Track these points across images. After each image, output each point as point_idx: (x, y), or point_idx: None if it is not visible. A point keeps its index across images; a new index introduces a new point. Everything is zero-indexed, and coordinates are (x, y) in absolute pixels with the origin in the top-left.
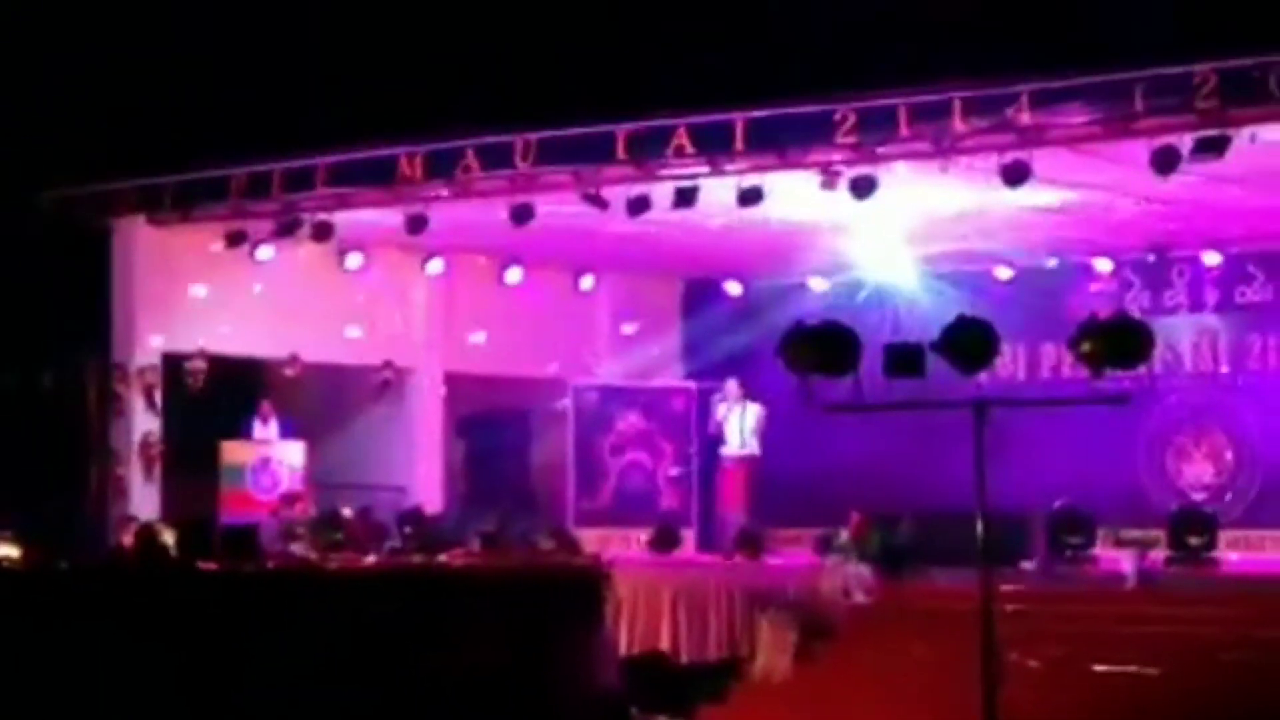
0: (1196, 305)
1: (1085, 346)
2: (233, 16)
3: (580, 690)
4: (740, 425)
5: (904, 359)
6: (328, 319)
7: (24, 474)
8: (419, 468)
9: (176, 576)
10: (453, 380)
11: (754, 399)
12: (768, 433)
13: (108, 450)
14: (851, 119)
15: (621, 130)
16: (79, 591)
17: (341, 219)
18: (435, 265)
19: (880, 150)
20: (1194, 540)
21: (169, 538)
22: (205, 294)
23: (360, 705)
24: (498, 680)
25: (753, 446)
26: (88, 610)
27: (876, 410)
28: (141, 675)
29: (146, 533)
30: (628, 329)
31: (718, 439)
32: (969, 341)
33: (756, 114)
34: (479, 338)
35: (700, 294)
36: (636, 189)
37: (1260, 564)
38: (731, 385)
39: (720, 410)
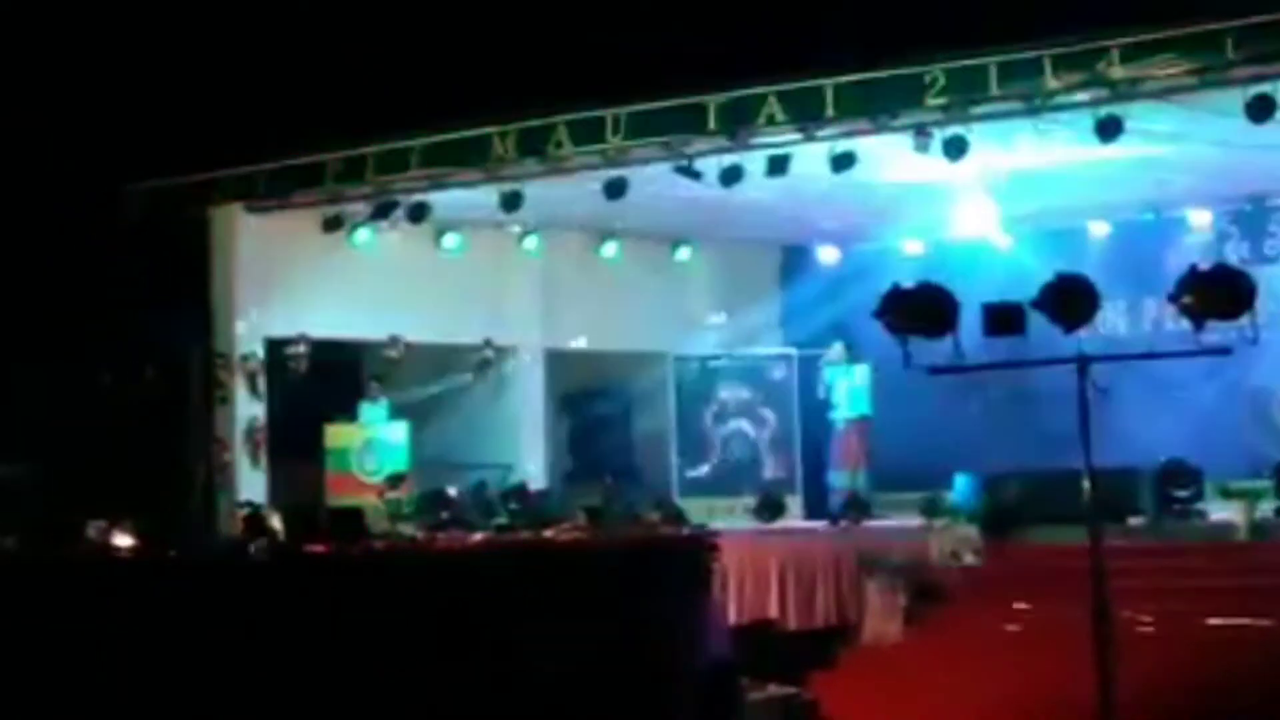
0: None
1: (1186, 299)
2: (323, 2)
3: (690, 661)
4: (849, 388)
5: (1004, 318)
6: (427, 299)
7: (134, 466)
8: (522, 445)
9: (284, 561)
10: (553, 356)
11: (859, 360)
12: (875, 390)
13: (214, 438)
14: (942, 80)
15: (712, 101)
16: (191, 578)
17: (437, 199)
18: (531, 242)
19: (972, 110)
20: None
21: (276, 522)
22: (305, 279)
23: (470, 682)
24: (607, 654)
25: (864, 407)
26: (201, 598)
27: (978, 370)
28: (257, 659)
29: (254, 518)
30: (726, 298)
31: (826, 404)
32: (1069, 298)
33: (846, 79)
34: (578, 313)
35: (798, 261)
36: (729, 159)
37: None
38: (836, 349)
39: (827, 374)
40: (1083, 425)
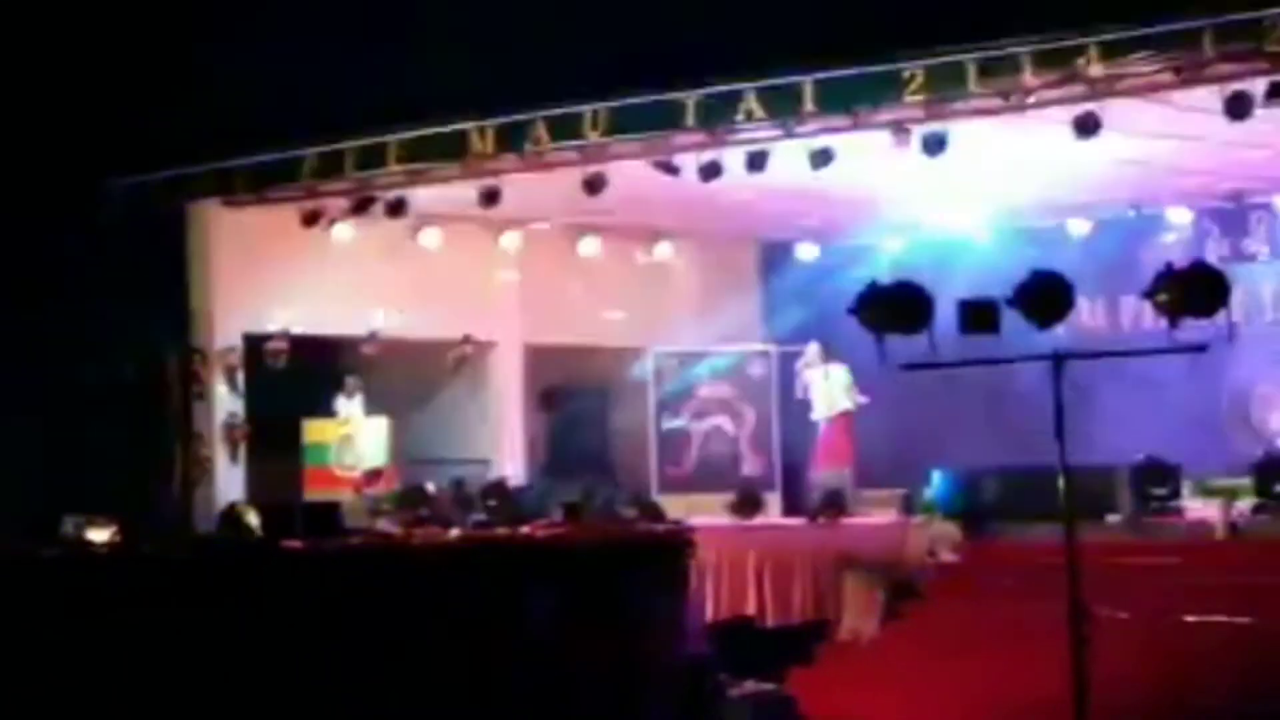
0: (1276, 251)
1: (1162, 296)
2: None
3: (669, 657)
4: (826, 388)
5: (979, 315)
6: (405, 295)
7: (113, 461)
8: (501, 441)
9: (260, 556)
10: (532, 352)
11: (837, 359)
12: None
13: (192, 433)
14: (920, 76)
15: (690, 97)
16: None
17: (415, 195)
18: (510, 238)
19: (950, 107)
20: None
21: (253, 519)
22: (283, 274)
23: (448, 677)
24: (585, 650)
25: (844, 404)
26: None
27: (952, 367)
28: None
29: (231, 514)
30: (705, 294)
31: (805, 405)
32: (1043, 295)
33: (824, 75)
34: (557, 309)
35: (777, 257)
36: (708, 155)
37: None
38: (813, 349)
39: (805, 376)
40: (1058, 423)
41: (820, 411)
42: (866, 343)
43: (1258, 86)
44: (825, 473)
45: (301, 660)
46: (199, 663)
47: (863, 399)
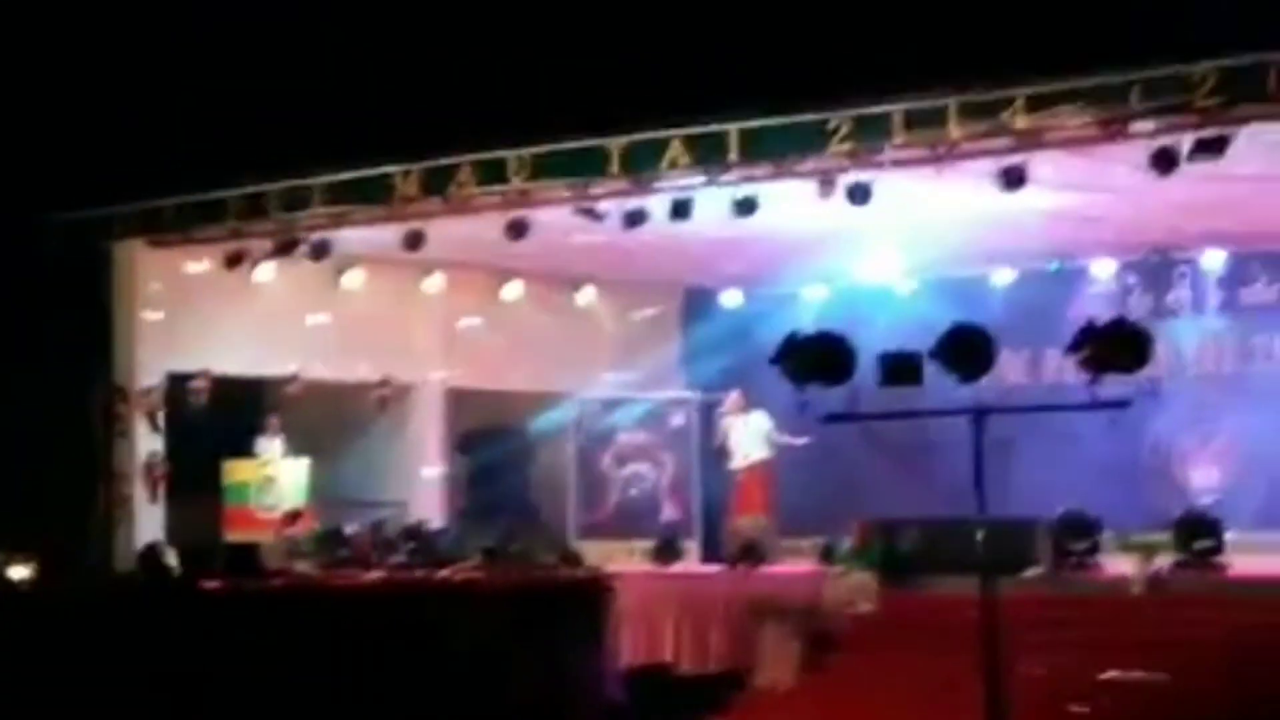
0: (1199, 307)
1: (1084, 353)
2: (228, 40)
3: (585, 702)
4: (745, 436)
5: (901, 368)
6: (328, 337)
7: (34, 498)
8: (421, 483)
9: (179, 596)
10: (453, 395)
11: (758, 407)
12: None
13: (113, 472)
14: (846, 126)
15: (615, 143)
16: (84, 612)
17: (339, 237)
18: (433, 281)
19: (876, 157)
20: (1200, 544)
21: (172, 558)
22: (206, 314)
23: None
24: (501, 695)
25: (762, 453)
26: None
27: (873, 419)
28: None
29: (151, 554)
30: (627, 341)
31: (723, 454)
32: (965, 349)
33: (750, 124)
34: (479, 352)
35: (700, 304)
36: (632, 202)
37: (1268, 567)
38: (733, 397)
39: (724, 424)
40: (978, 476)
41: (738, 460)
42: (788, 392)
43: (1184, 142)
44: (743, 520)
45: (219, 700)
46: (116, 700)
47: (797, 441)
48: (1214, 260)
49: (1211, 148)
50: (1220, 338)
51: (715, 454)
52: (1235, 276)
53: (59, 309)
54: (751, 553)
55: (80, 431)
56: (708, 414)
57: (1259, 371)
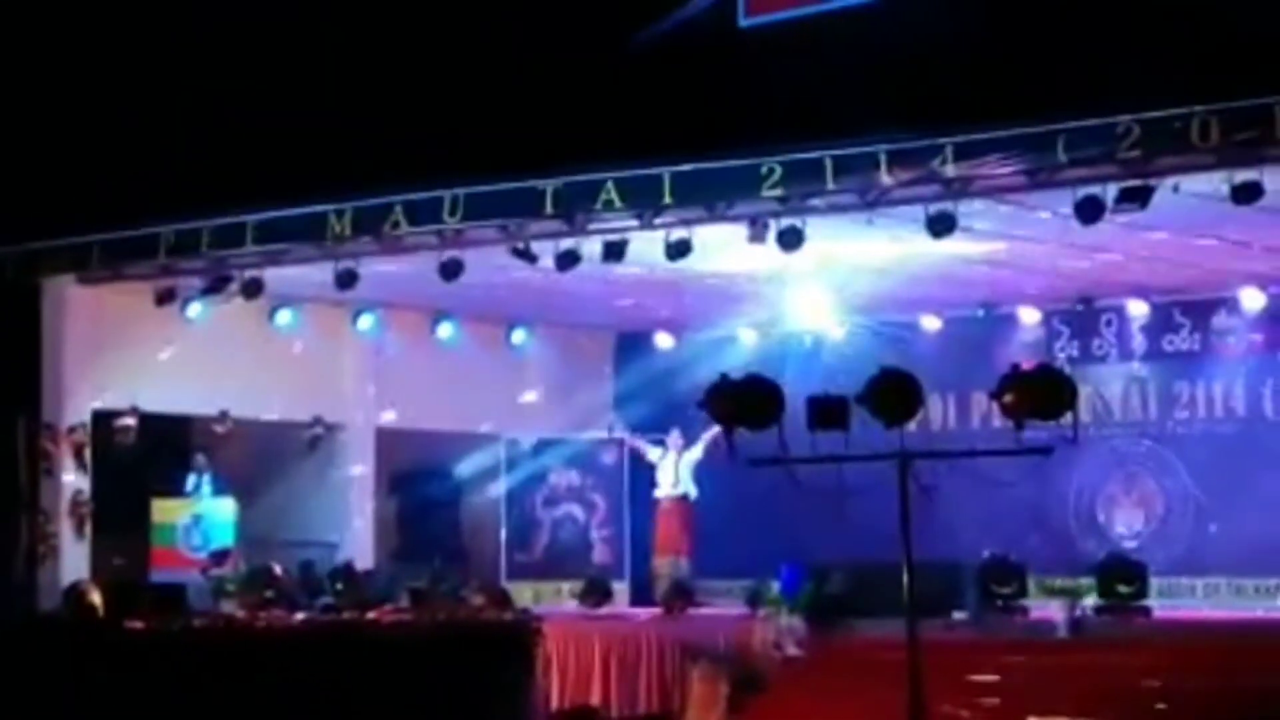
0: (1125, 354)
1: (1008, 398)
2: (160, 75)
3: None
4: (675, 467)
5: (828, 412)
6: (258, 375)
7: None
8: (350, 523)
9: (102, 636)
10: (384, 435)
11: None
12: (700, 480)
13: (38, 509)
14: (778, 171)
15: (550, 184)
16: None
17: (271, 275)
18: (366, 321)
19: (807, 203)
20: (1124, 589)
21: (96, 597)
22: (135, 352)
23: None
24: None
25: (687, 488)
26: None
27: (799, 462)
28: None
29: (74, 592)
30: (560, 381)
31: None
32: (892, 394)
33: (683, 167)
34: (410, 393)
35: (632, 346)
36: (565, 243)
37: (1190, 612)
38: (674, 436)
39: (654, 454)
40: (903, 520)
41: (664, 489)
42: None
43: (1109, 191)
44: (661, 561)
45: None
46: None
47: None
48: (1138, 309)
49: (1136, 196)
50: (1144, 384)
51: (646, 494)
52: (1159, 324)
53: None
54: (681, 594)
55: (5, 468)
56: (637, 456)
57: (1181, 418)
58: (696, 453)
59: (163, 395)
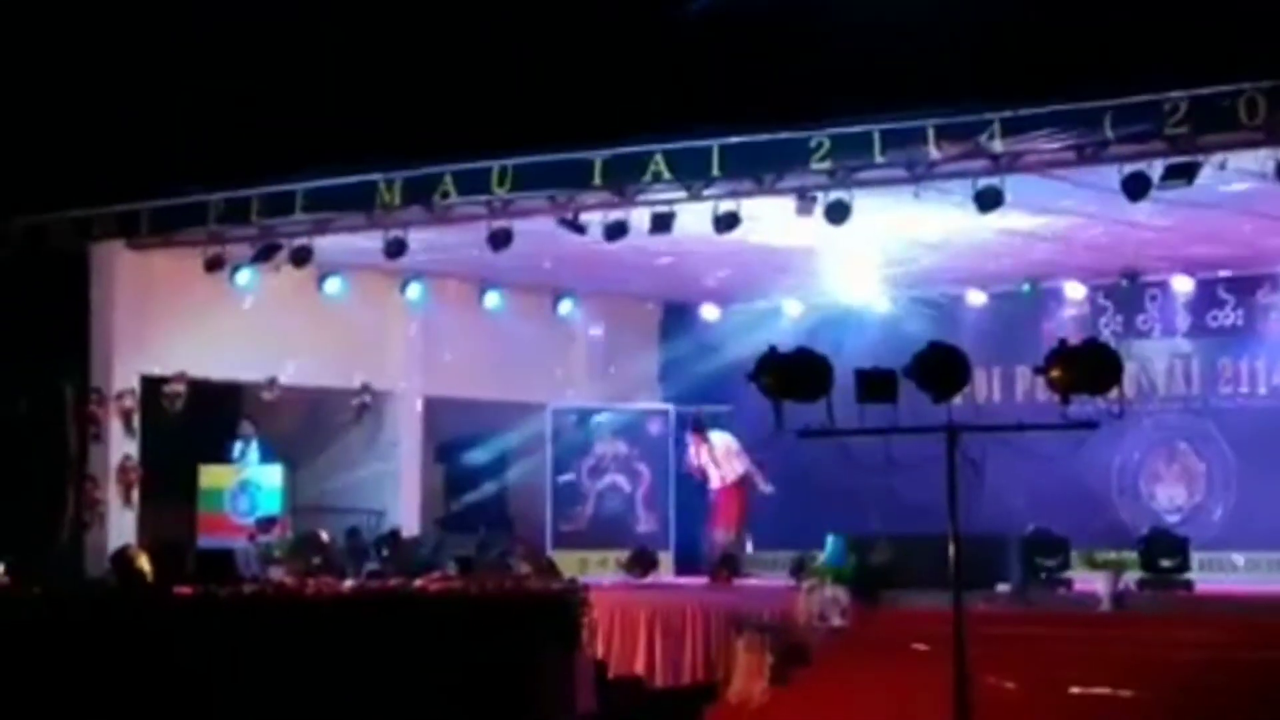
0: (1168, 329)
1: (1054, 373)
2: (212, 43)
3: (557, 714)
4: (714, 459)
5: (876, 385)
6: (306, 343)
7: (2, 499)
8: (397, 491)
9: (151, 601)
10: (431, 404)
11: (719, 427)
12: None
13: (85, 474)
14: (827, 145)
15: (598, 156)
16: (55, 616)
17: (320, 243)
18: (414, 289)
19: (855, 176)
20: (1166, 563)
21: (145, 563)
22: (184, 318)
23: None
24: (475, 706)
25: (737, 469)
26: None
27: (848, 435)
28: (117, 699)
29: (122, 557)
30: (606, 352)
31: (700, 476)
32: (940, 368)
33: (732, 140)
34: (457, 361)
35: (678, 317)
36: (614, 214)
37: (1231, 586)
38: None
39: (692, 448)
40: (951, 493)
41: (715, 481)
42: (764, 405)
43: (1155, 168)
44: (719, 532)
45: (190, 706)
46: (86, 705)
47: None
48: (1183, 284)
49: (1182, 174)
50: (1188, 359)
51: (694, 478)
52: (1204, 300)
53: (36, 310)
54: (727, 566)
55: (54, 433)
56: (684, 426)
57: (1224, 393)
58: (724, 441)
59: (211, 361)
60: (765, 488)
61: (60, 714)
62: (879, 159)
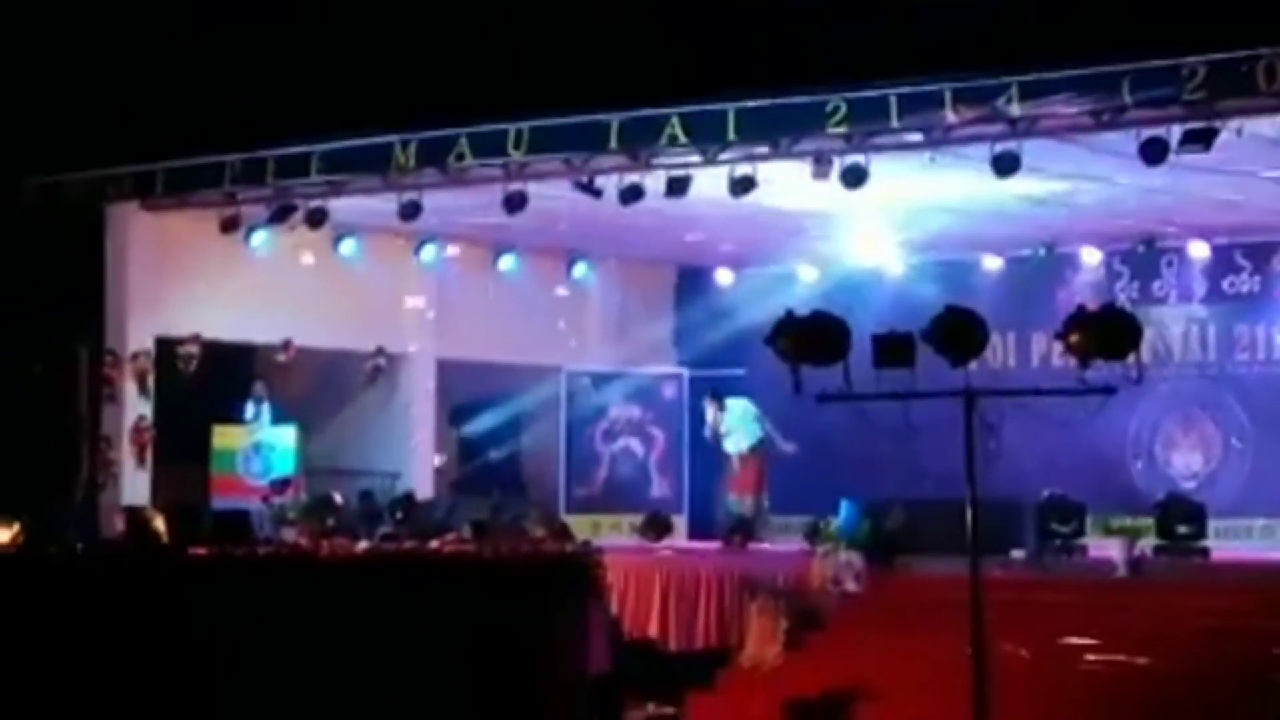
0: (1185, 296)
1: (1073, 338)
2: (229, 3)
3: (572, 676)
4: (732, 425)
5: (893, 349)
6: (321, 305)
7: (17, 459)
8: (411, 454)
9: (166, 561)
10: (445, 366)
11: (737, 393)
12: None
13: (99, 435)
14: (843, 109)
15: (614, 119)
16: (69, 576)
17: (335, 205)
18: (429, 252)
19: (871, 140)
20: (1182, 529)
21: (159, 523)
22: (199, 279)
23: (350, 691)
24: (490, 668)
25: (755, 436)
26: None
27: (866, 399)
28: (131, 661)
29: (137, 518)
30: (621, 316)
31: (717, 440)
32: (957, 332)
33: (748, 103)
34: (472, 324)
35: (693, 281)
36: (629, 177)
37: (1248, 553)
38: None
39: (710, 415)
40: (968, 458)
41: (730, 447)
42: (779, 369)
43: (1173, 133)
44: (732, 499)
45: (205, 666)
46: (100, 666)
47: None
48: (1199, 250)
49: (1200, 139)
50: (1204, 325)
51: (711, 443)
52: (1220, 266)
53: (50, 271)
54: (741, 530)
55: (69, 394)
56: (697, 390)
57: (1241, 359)
58: (745, 406)
59: (225, 323)
60: (786, 447)
61: (75, 673)
62: (895, 123)
